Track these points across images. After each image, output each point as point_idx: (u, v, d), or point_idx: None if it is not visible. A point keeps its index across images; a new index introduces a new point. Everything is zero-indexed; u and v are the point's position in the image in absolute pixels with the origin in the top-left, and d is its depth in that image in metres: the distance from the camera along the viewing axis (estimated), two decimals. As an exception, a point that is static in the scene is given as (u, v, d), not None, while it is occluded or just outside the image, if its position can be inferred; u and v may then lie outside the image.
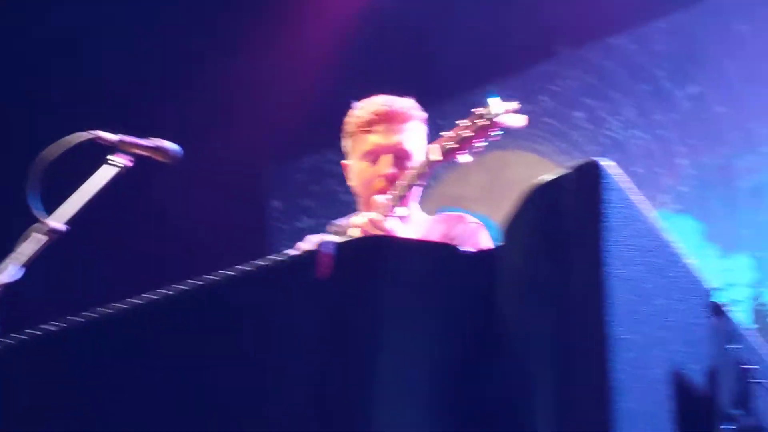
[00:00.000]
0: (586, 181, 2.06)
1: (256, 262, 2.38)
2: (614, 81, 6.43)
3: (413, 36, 6.63)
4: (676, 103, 6.19)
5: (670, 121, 6.20)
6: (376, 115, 3.63)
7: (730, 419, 2.14)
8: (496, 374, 2.20)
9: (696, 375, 2.15)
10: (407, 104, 3.66)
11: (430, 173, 3.47)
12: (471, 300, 2.24)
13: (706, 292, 2.23)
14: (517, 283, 2.19)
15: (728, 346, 2.18)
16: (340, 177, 3.86)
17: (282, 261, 2.36)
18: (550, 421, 2.06)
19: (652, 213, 2.16)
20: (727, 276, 5.79)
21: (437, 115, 3.78)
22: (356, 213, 3.67)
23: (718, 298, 2.23)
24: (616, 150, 6.26)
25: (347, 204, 3.93)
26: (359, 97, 3.76)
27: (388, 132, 3.61)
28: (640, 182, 5.95)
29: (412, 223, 3.59)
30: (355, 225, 3.47)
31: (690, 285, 2.20)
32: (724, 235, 5.90)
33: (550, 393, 2.08)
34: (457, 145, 3.32)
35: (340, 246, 2.24)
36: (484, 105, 3.30)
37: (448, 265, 2.25)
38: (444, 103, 5.55)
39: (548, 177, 2.13)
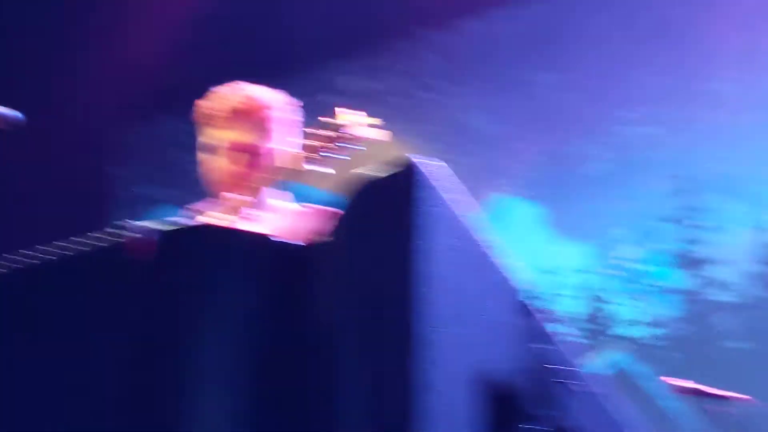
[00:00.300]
0: (399, 179, 2.06)
1: (71, 244, 2.35)
2: (466, 64, 6.46)
3: (267, 9, 6.57)
4: (527, 88, 6.25)
5: (519, 107, 6.26)
6: (234, 112, 3.50)
7: (533, 419, 2.17)
8: (311, 369, 2.19)
9: (502, 374, 2.18)
10: (269, 98, 3.52)
11: (290, 176, 3.41)
12: (285, 293, 2.23)
13: (516, 292, 2.25)
14: (336, 279, 2.19)
15: (534, 346, 2.21)
16: (183, 145, 3.77)
17: (101, 244, 2.33)
18: (359, 420, 2.08)
19: (468, 211, 2.17)
20: (565, 261, 5.89)
21: (289, 92, 3.70)
22: (209, 198, 3.59)
23: (528, 297, 2.26)
24: (463, 133, 6.30)
25: (190, 172, 3.84)
26: (209, 68, 3.65)
27: (244, 130, 3.48)
28: (485, 166, 6.03)
29: (274, 218, 3.50)
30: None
31: (500, 284, 2.22)
32: (564, 221, 6.00)
33: (359, 390, 2.09)
34: (315, 155, 3.31)
35: (158, 232, 2.23)
36: (347, 117, 3.29)
37: (262, 256, 2.24)
38: (293, 78, 5.51)
39: (364, 173, 2.13)
